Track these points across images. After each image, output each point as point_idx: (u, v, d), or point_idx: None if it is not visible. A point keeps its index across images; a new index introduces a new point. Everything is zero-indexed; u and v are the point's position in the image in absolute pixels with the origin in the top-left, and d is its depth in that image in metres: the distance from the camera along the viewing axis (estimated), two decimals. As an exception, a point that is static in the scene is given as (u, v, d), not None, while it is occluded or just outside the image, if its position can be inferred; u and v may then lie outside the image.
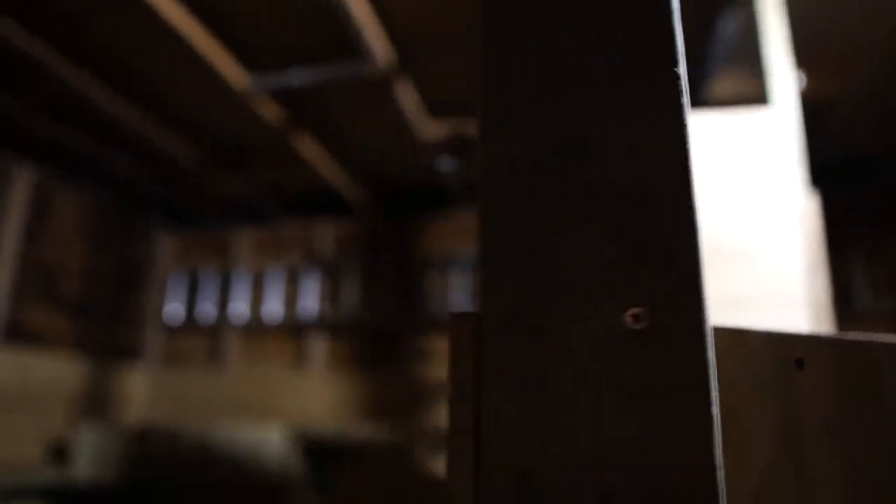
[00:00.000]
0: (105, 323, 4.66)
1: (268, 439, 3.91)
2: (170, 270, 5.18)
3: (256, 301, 4.96)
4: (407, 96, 3.34)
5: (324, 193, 4.70)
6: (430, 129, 3.70)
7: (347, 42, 2.93)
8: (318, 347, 4.75)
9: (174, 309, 5.08)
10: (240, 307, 4.93)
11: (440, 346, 4.47)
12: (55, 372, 4.11)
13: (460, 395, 0.50)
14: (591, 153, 0.54)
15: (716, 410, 0.46)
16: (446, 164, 3.70)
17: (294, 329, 4.84)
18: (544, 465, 0.48)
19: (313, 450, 4.12)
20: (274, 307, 4.86)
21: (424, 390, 4.37)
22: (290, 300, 4.90)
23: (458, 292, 4.54)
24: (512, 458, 0.49)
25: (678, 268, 0.49)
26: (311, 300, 4.79)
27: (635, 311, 0.48)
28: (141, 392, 4.85)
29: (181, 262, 5.22)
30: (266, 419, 4.57)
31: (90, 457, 3.77)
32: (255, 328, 4.91)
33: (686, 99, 0.52)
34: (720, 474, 0.45)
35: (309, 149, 3.93)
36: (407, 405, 4.37)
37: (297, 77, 3.20)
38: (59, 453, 4.01)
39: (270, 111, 3.53)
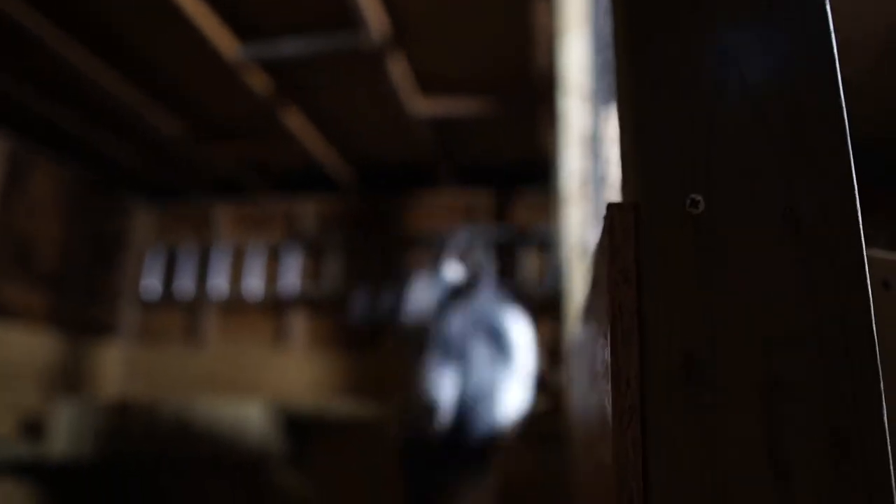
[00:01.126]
0: (81, 298, 4.56)
1: (248, 415, 3.89)
2: (148, 245, 5.09)
3: (236, 277, 4.91)
4: (399, 71, 3.33)
5: (308, 169, 4.66)
6: (421, 106, 3.69)
7: (343, 12, 2.90)
8: (299, 324, 4.72)
9: (151, 284, 5.00)
10: (219, 283, 4.87)
11: (422, 325, 4.48)
12: (29, 346, 4.02)
13: (624, 279, 0.52)
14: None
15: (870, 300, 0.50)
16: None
17: (274, 305, 4.80)
18: (710, 347, 0.50)
19: (293, 425, 4.11)
20: (254, 283, 4.81)
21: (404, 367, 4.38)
22: (271, 276, 4.86)
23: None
24: (676, 339, 0.51)
25: (830, 167, 0.52)
26: (292, 277, 4.76)
27: (793, 202, 0.51)
28: (117, 368, 4.77)
29: (160, 236, 5.14)
30: (245, 396, 4.54)
31: (66, 432, 3.70)
32: (235, 304, 4.86)
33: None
34: (878, 361, 0.48)
35: (296, 123, 3.89)
36: (387, 382, 4.38)
37: (289, 47, 3.16)
38: (34, 428, 3.93)
39: (259, 82, 3.48)
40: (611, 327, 0.52)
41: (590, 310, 0.81)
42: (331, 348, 4.62)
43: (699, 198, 0.53)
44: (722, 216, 0.53)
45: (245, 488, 4.34)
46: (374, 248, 4.74)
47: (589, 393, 0.83)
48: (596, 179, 1.50)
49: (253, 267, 4.83)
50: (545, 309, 4.37)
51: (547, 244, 4.44)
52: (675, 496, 0.49)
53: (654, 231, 0.54)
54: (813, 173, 0.52)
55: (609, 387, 0.51)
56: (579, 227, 2.71)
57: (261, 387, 4.58)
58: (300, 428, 4.19)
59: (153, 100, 3.75)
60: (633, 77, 0.59)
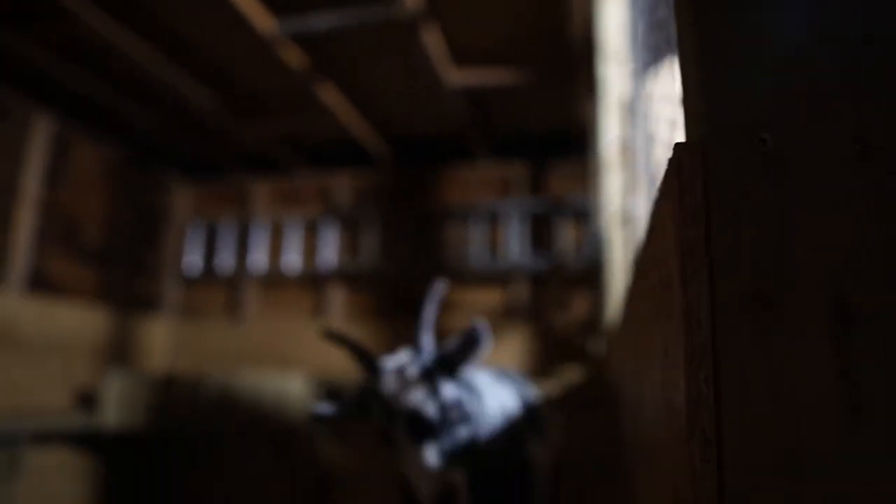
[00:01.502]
0: (125, 274, 4.68)
1: (289, 387, 3.97)
2: (188, 221, 5.19)
3: (275, 252, 4.98)
4: (433, 42, 3.31)
5: (343, 143, 4.68)
6: (455, 77, 3.67)
7: (377, -17, 2.89)
8: (337, 298, 4.78)
9: (193, 260, 5.10)
10: (258, 258, 4.95)
11: (457, 297, 4.51)
12: (79, 321, 4.15)
13: (692, 217, 0.52)
14: None
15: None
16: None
17: (313, 280, 4.87)
18: (780, 281, 0.50)
19: (333, 397, 4.18)
20: (293, 258, 4.88)
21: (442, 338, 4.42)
22: (309, 251, 4.92)
23: (476, 243, 4.56)
24: (746, 275, 0.51)
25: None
26: (329, 251, 4.81)
27: (862, 130, 0.50)
28: (161, 342, 4.90)
29: (199, 213, 5.23)
30: (286, 369, 4.63)
31: (116, 403, 3.82)
32: (274, 279, 4.94)
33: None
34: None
35: (330, 97, 3.91)
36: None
37: (323, 20, 3.16)
38: (87, 400, 4.07)
39: (294, 57, 3.50)
40: (680, 266, 0.52)
41: (647, 258, 0.81)
42: (368, 321, 4.67)
43: (767, 135, 0.53)
44: (791, 151, 0.53)
45: (287, 458, 4.45)
46: (409, 222, 4.76)
47: (646, 343, 0.83)
48: (643, 139, 1.49)
49: (291, 242, 4.90)
50: (582, 280, 4.36)
51: (584, 214, 4.41)
52: (748, 430, 0.49)
53: (722, 169, 0.54)
54: (882, 101, 0.51)
55: (678, 327, 0.51)
56: (619, 194, 2.68)
57: (300, 359, 4.66)
58: (337, 397, 4.26)
59: (190, 76, 3.79)
60: (698, 23, 0.59)
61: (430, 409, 1.48)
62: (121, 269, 4.64)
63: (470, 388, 1.71)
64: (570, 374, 3.29)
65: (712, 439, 0.49)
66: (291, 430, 4.13)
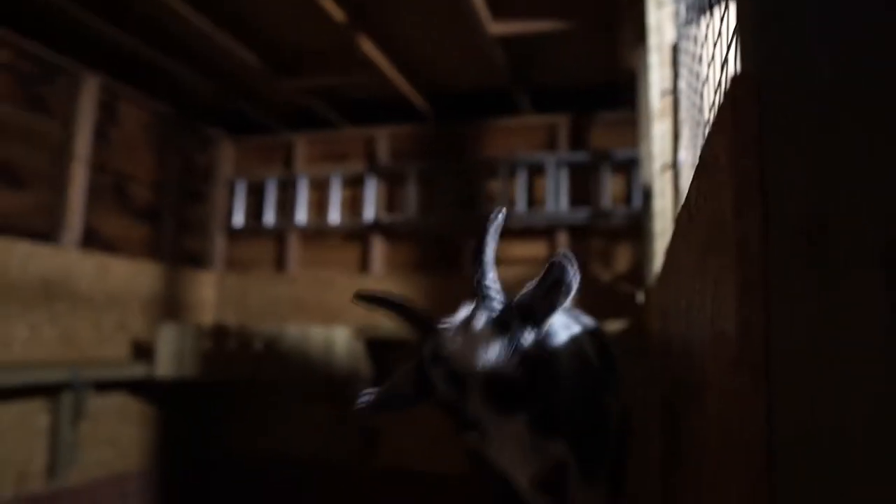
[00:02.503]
0: (173, 230, 4.80)
1: (334, 338, 4.05)
2: (233, 178, 5.28)
3: (318, 207, 5.04)
4: (474, -9, 3.25)
5: (384, 98, 4.67)
6: (496, 27, 3.61)
7: (417, -70, 2.83)
8: (379, 252, 4.84)
9: (238, 216, 5.21)
10: (302, 213, 5.02)
11: (499, 250, 4.51)
12: (131, 276, 4.29)
13: (747, 149, 0.52)
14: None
15: None
16: None
17: (356, 234, 4.93)
18: (835, 214, 0.50)
19: (377, 347, 4.27)
20: (335, 213, 4.94)
21: (484, 294, 4.44)
22: (352, 206, 4.97)
23: (518, 195, 4.54)
24: (800, 208, 0.51)
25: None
26: (371, 205, 4.85)
27: None
28: (210, 296, 5.05)
29: (243, 169, 5.31)
30: (331, 321, 4.73)
31: (169, 354, 3.97)
32: (318, 234, 5.02)
33: None
34: None
35: (370, 51, 3.88)
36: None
37: (364, -29, 3.13)
38: (143, 350, 4.24)
39: (334, 12, 3.48)
40: (734, 197, 0.51)
41: (697, 195, 0.80)
42: (411, 274, 4.72)
43: (824, 68, 0.52)
44: (847, 84, 0.51)
45: (333, 407, 4.58)
46: (450, 176, 4.75)
47: (695, 282, 0.83)
48: (689, 84, 1.45)
49: (333, 197, 4.95)
50: (627, 233, 4.32)
51: (628, 166, 4.34)
52: (797, 363, 0.49)
53: (777, 102, 0.53)
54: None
55: (730, 258, 0.51)
56: (667, 144, 2.64)
57: (345, 312, 4.75)
58: (384, 350, 4.35)
59: (233, 34, 3.81)
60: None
61: (512, 368, 1.15)
62: (169, 226, 4.77)
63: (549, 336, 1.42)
64: (615, 326, 3.29)
65: (761, 368, 0.49)
66: (337, 381, 4.24)
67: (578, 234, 4.45)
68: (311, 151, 5.17)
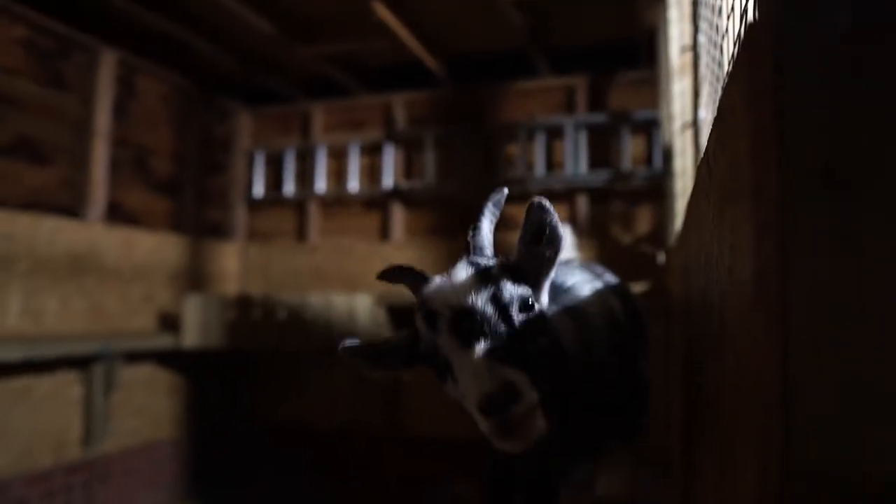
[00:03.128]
0: (195, 202, 4.85)
1: (356, 306, 4.09)
2: (252, 149, 5.29)
3: (338, 176, 5.05)
4: (488, -50, 3.19)
5: (400, 64, 4.63)
6: (511, -14, 3.55)
7: None
8: (399, 219, 4.85)
9: (258, 186, 5.24)
10: (321, 182, 5.03)
11: (518, 213, 4.49)
12: (156, 249, 4.35)
13: (763, 94, 0.51)
14: None
15: None
16: None
17: (375, 202, 4.93)
18: (850, 156, 0.49)
19: (399, 314, 4.30)
20: (354, 181, 4.95)
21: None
22: (370, 174, 4.97)
23: (537, 159, 4.51)
24: (816, 151, 0.50)
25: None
26: (390, 172, 4.85)
27: None
28: (232, 266, 5.11)
29: (262, 140, 5.32)
30: (352, 289, 4.77)
31: (195, 325, 4.03)
32: (337, 202, 5.04)
33: None
34: None
35: (385, 16, 3.84)
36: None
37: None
38: (168, 322, 4.32)
39: (347, -25, 3.44)
40: (750, 143, 0.51)
41: (715, 145, 0.79)
42: (430, 240, 4.73)
43: (841, 15, 0.51)
44: (866, 32, 0.50)
45: (356, 375, 4.64)
46: (468, 140, 4.72)
47: (713, 233, 0.83)
48: (708, 38, 1.42)
49: (352, 165, 4.95)
50: (647, 194, 4.28)
51: (648, 127, 4.28)
52: (813, 304, 0.49)
53: (793, 48, 0.52)
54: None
55: (747, 202, 0.51)
56: (688, 102, 2.59)
57: (366, 279, 4.78)
58: (405, 316, 4.38)
59: (245, 1, 3.78)
60: None
61: (480, 305, 1.16)
62: (190, 198, 4.81)
63: (562, 291, 1.44)
64: (636, 288, 3.28)
65: (778, 310, 0.49)
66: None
67: (598, 196, 4.41)
68: (328, 120, 5.16)
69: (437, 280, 1.27)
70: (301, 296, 4.15)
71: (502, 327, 1.16)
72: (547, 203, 1.23)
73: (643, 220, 4.29)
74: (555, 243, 1.25)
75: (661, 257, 3.44)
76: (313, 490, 4.27)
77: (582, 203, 4.43)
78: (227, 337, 4.07)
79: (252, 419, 4.87)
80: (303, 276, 4.98)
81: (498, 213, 1.42)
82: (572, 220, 4.36)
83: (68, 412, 3.57)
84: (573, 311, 1.45)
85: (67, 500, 3.53)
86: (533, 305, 1.23)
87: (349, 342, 1.33)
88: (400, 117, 4.92)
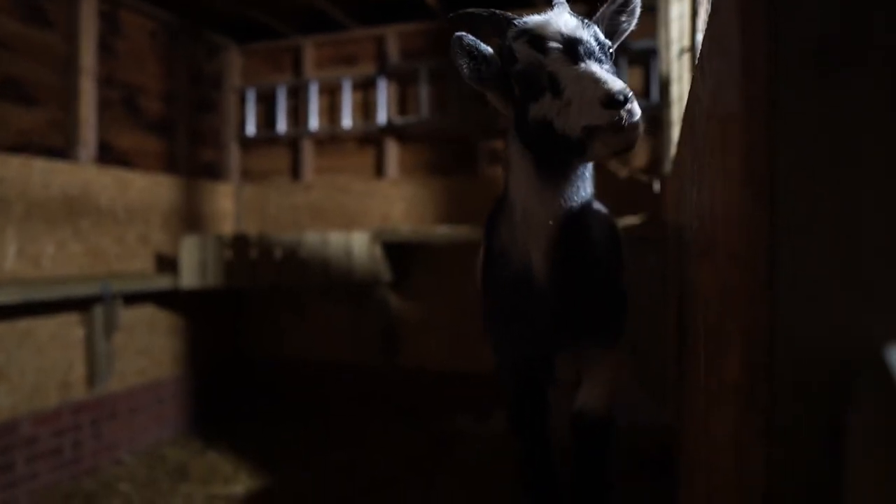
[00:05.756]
0: (187, 142, 4.79)
1: (353, 243, 4.09)
2: (243, 86, 5.20)
3: (331, 112, 4.98)
4: None
5: (391, -4, 4.49)
6: None
7: None
8: (394, 156, 4.80)
9: (251, 125, 5.17)
10: (314, 120, 4.96)
11: (516, 150, 4.45)
12: (150, 190, 4.32)
13: None
14: None
15: None
16: None
17: (369, 139, 4.88)
18: (847, 27, 0.47)
19: (395, 251, 4.31)
20: (348, 118, 4.88)
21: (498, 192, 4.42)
22: (364, 110, 4.90)
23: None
24: (810, 20, 0.48)
25: None
26: (384, 109, 4.78)
27: None
28: (228, 206, 5.09)
29: (253, 77, 5.22)
30: (348, 226, 4.77)
31: (193, 265, 4.04)
32: (331, 140, 4.98)
33: None
34: None
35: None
36: (481, 207, 4.45)
37: None
38: (166, 263, 4.32)
39: None
40: (739, 17, 0.49)
41: (707, 54, 0.77)
42: (426, 176, 4.70)
43: None
44: None
45: (354, 310, 4.69)
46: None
47: (703, 152, 0.81)
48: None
49: (345, 101, 4.87)
50: (644, 128, 4.22)
51: (646, 57, 4.20)
52: (800, 182, 0.48)
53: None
54: None
55: (736, 77, 0.49)
56: (686, 23, 2.53)
57: (362, 217, 4.78)
58: (401, 253, 4.39)
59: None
60: None
61: (587, 37, 1.33)
62: (182, 138, 4.75)
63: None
64: (632, 220, 3.28)
65: (765, 185, 0.48)
66: (357, 285, 4.32)
67: (596, 129, 4.35)
68: (320, 55, 5.05)
69: (535, 16, 1.42)
70: (297, 234, 4.15)
71: (605, 59, 1.33)
72: None
73: (641, 153, 4.25)
74: (633, 17, 1.46)
75: (657, 186, 3.42)
76: (314, 423, 4.36)
77: (578, 136, 4.37)
78: (225, 276, 4.08)
79: (253, 356, 4.94)
80: (299, 215, 4.97)
81: None
82: None
83: (72, 353, 3.61)
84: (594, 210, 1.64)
85: (76, 438, 3.61)
86: (613, 56, 1.40)
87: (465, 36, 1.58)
88: (393, 51, 4.81)
